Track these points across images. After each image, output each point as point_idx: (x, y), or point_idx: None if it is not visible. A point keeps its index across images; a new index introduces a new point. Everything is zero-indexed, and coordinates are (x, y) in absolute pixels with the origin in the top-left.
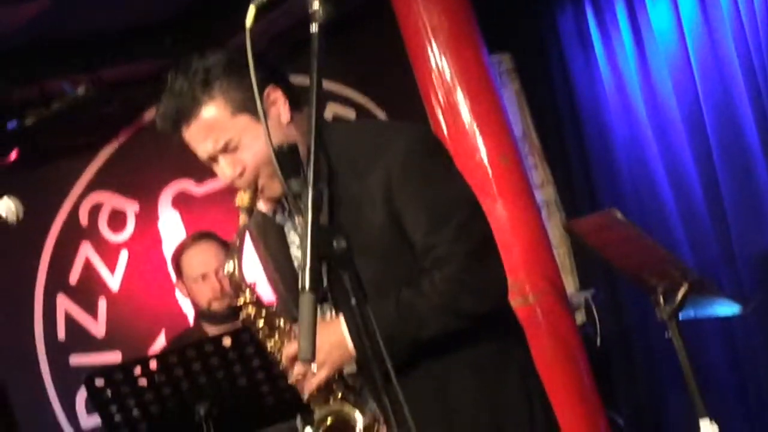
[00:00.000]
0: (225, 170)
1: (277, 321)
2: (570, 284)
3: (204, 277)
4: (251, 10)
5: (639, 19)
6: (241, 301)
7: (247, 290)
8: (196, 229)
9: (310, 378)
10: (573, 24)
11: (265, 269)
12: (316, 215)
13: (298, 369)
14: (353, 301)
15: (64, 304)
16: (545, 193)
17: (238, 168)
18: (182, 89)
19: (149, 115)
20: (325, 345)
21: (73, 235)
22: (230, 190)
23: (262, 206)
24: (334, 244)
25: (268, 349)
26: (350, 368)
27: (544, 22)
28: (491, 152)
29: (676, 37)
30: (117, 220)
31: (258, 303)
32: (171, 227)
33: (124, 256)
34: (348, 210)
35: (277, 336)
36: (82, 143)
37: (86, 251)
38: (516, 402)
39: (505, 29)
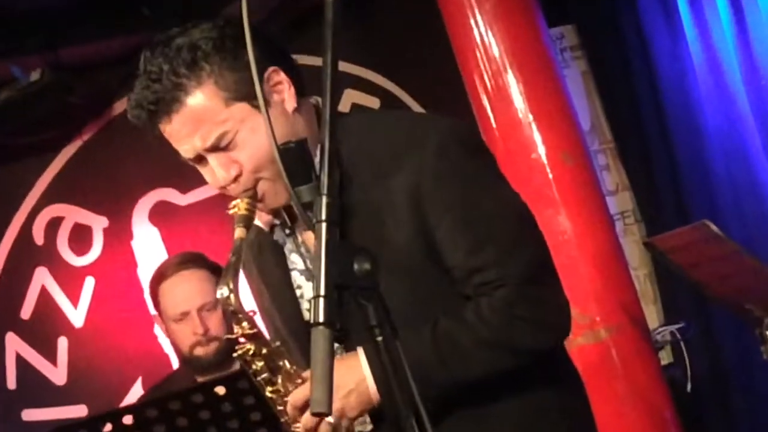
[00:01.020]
0: (217, 173)
1: (280, 361)
2: (653, 316)
3: (185, 315)
4: None
5: None
6: (237, 332)
7: (245, 321)
8: (178, 249)
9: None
10: None
11: (258, 300)
12: (333, 230)
13: (306, 421)
14: (380, 338)
15: (14, 344)
16: (620, 201)
17: (233, 170)
18: (162, 72)
19: (121, 105)
20: (341, 388)
21: (25, 258)
22: (222, 200)
23: (258, 220)
24: (356, 266)
25: (269, 394)
26: (365, 427)
27: None
28: (551, 149)
29: None
30: (81, 238)
31: (258, 338)
32: (148, 247)
33: (89, 283)
34: (365, 222)
35: (280, 381)
36: (37, 142)
37: (42, 278)
38: None
39: None
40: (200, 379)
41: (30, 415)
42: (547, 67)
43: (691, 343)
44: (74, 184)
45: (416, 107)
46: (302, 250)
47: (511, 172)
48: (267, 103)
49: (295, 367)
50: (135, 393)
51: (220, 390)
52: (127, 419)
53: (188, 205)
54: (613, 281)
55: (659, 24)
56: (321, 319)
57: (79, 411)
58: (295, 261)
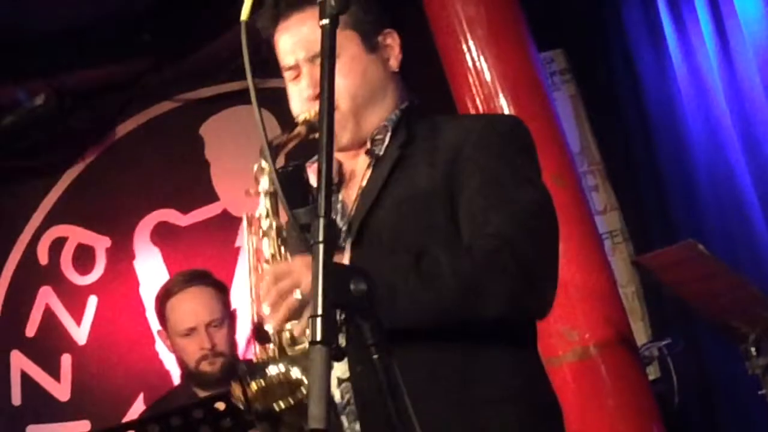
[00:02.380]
0: (302, 83)
1: (279, 238)
2: (640, 332)
3: (192, 331)
4: (247, 2)
5: (722, 5)
6: (257, 190)
7: (270, 182)
8: (179, 269)
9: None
10: (641, 13)
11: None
12: (329, 252)
13: (280, 286)
14: (376, 357)
15: (19, 361)
16: (609, 220)
17: (317, 88)
18: None
19: (122, 129)
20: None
21: (30, 278)
22: (222, 221)
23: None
24: (352, 286)
25: (256, 257)
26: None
27: (605, 10)
28: (542, 170)
29: (767, 27)
30: (84, 258)
31: (274, 200)
32: (150, 266)
33: (92, 302)
34: (411, 167)
35: (271, 253)
36: (41, 165)
37: (46, 297)
38: None
39: (558, 21)
40: (201, 395)
41: (35, 430)
42: (538, 90)
43: (678, 359)
44: (77, 205)
45: None
46: (338, 207)
47: None
48: (372, 42)
49: (285, 250)
50: (137, 409)
51: (220, 405)
52: None
53: (189, 225)
54: (602, 299)
55: (646, 48)
56: (318, 337)
57: (83, 427)
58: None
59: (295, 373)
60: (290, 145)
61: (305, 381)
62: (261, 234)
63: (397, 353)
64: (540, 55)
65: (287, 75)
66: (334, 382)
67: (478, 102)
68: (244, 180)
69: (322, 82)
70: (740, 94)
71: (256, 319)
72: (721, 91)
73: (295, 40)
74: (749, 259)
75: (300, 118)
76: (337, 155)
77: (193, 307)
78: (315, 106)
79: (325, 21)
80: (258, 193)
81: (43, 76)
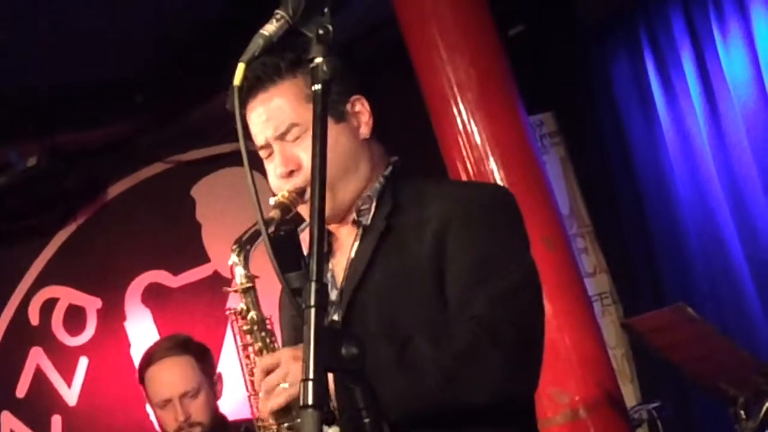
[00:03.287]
0: (275, 162)
1: (263, 331)
2: (630, 395)
3: (167, 402)
4: (240, 67)
5: (709, 67)
6: (233, 285)
7: (244, 276)
8: (171, 329)
9: (275, 396)
10: (628, 74)
11: (282, 335)
12: (321, 316)
13: (268, 381)
14: (366, 420)
15: (9, 423)
16: (598, 283)
17: (291, 165)
18: (269, 61)
19: (114, 190)
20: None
21: (21, 338)
22: (213, 283)
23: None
24: (344, 350)
25: (245, 351)
26: None
27: (594, 74)
28: (532, 234)
29: (755, 90)
30: (75, 319)
31: (251, 294)
32: (141, 328)
33: (83, 363)
34: (399, 238)
35: (258, 347)
36: (33, 225)
37: (37, 358)
38: None
39: (546, 84)
40: None
41: None
42: (527, 153)
43: (668, 421)
44: (69, 266)
45: None
46: (328, 276)
47: None
48: (339, 112)
49: (274, 341)
50: None
51: None
52: None
53: (180, 287)
54: (592, 361)
55: (635, 112)
56: (310, 401)
57: None
58: None
59: None
60: (260, 234)
61: None
62: (246, 329)
63: None
64: (530, 118)
65: (261, 153)
66: None
67: (468, 165)
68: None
69: (314, 147)
70: (729, 157)
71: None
72: (709, 154)
73: (262, 120)
74: (738, 323)
75: (272, 202)
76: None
77: (167, 378)
78: (288, 184)
79: (317, 87)
80: (235, 291)
81: (36, 136)
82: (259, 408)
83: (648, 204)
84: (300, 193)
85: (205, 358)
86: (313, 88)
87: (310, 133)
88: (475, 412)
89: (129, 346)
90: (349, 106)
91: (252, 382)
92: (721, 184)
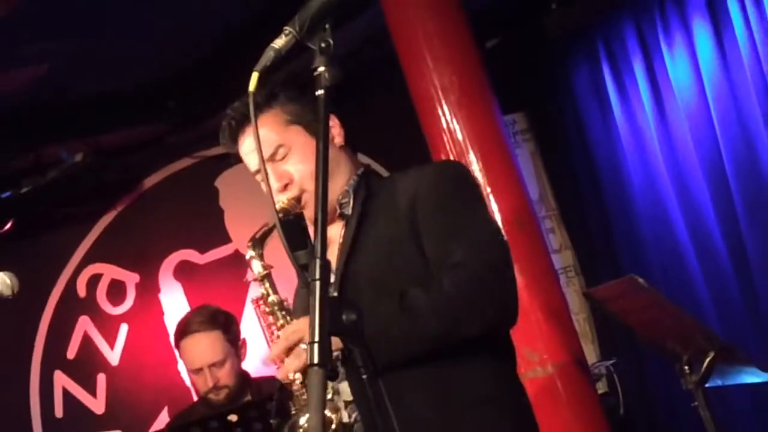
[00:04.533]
0: (270, 180)
1: (282, 310)
2: (591, 353)
3: (199, 371)
4: (254, 76)
5: (657, 73)
6: (250, 276)
7: (261, 266)
8: (199, 300)
9: (295, 357)
10: (588, 81)
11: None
12: (325, 288)
13: (290, 338)
14: (365, 376)
15: (61, 380)
16: (563, 258)
17: (284, 179)
18: (247, 101)
19: (149, 182)
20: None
21: (70, 309)
22: (234, 259)
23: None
24: (344, 317)
25: (269, 330)
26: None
27: (559, 80)
28: (506, 216)
29: (696, 92)
30: (116, 292)
31: (269, 280)
32: (173, 299)
33: (124, 329)
34: (375, 218)
35: (280, 324)
36: (79, 212)
37: (84, 325)
38: None
39: (519, 88)
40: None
41: None
42: (502, 148)
43: (623, 376)
44: (110, 246)
45: None
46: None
47: None
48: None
49: (293, 318)
50: (162, 420)
51: (233, 417)
52: None
53: (206, 263)
54: (558, 325)
55: (594, 112)
56: (315, 360)
57: None
58: None
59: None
60: (273, 231)
61: (334, 418)
62: (268, 311)
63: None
64: (504, 118)
65: (257, 178)
66: (341, 405)
67: (451, 158)
68: (253, 224)
69: (318, 143)
70: (674, 150)
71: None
72: (657, 148)
73: (251, 148)
74: (683, 291)
75: (277, 207)
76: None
77: (198, 351)
78: (284, 195)
79: (320, 92)
80: (254, 280)
81: (82, 137)
82: (289, 371)
83: (606, 190)
84: (297, 200)
85: (230, 329)
86: (316, 93)
87: (293, 150)
88: (469, 343)
89: (163, 314)
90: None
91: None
92: (668, 172)
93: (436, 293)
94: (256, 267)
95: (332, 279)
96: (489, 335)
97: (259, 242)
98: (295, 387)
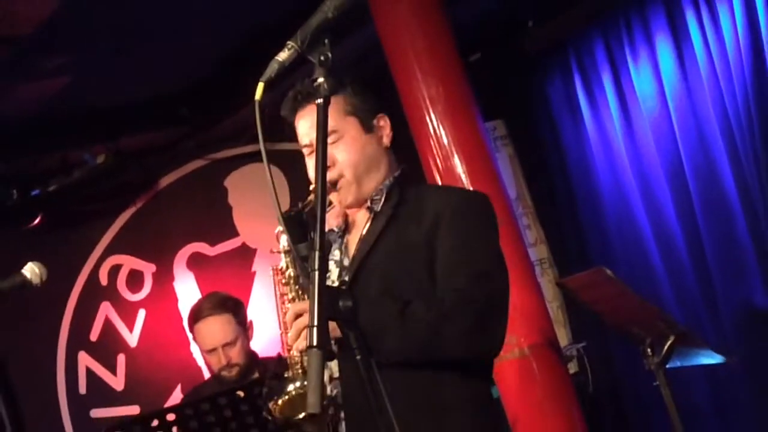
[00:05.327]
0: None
1: (297, 286)
2: (563, 337)
3: (213, 350)
4: (260, 86)
5: (624, 85)
6: (277, 249)
7: (287, 242)
8: (210, 288)
9: (302, 338)
10: (562, 92)
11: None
12: (323, 277)
13: (299, 323)
14: (358, 357)
15: (85, 360)
16: (539, 251)
17: (328, 162)
18: (317, 81)
19: (165, 181)
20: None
21: (93, 295)
22: (241, 251)
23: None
24: (340, 303)
25: (281, 300)
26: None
27: (535, 90)
28: None
29: (659, 103)
30: (135, 280)
31: (290, 257)
32: (186, 287)
33: (141, 314)
34: (401, 224)
35: (291, 296)
36: (101, 209)
37: (106, 310)
38: None
39: (498, 98)
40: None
41: (96, 413)
42: (484, 152)
43: (592, 357)
44: (130, 239)
45: None
46: (342, 248)
47: None
48: (369, 125)
49: (304, 295)
50: (176, 396)
51: (240, 393)
52: (170, 416)
53: (216, 255)
54: (534, 311)
55: (566, 120)
56: (315, 343)
57: (134, 410)
58: (335, 254)
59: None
60: (307, 209)
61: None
62: (284, 282)
63: (385, 373)
64: (485, 124)
65: (305, 151)
66: (326, 380)
67: (438, 161)
68: (258, 220)
69: (317, 146)
70: (639, 153)
71: (285, 346)
72: (624, 152)
73: (308, 125)
74: (646, 281)
75: (312, 188)
76: (346, 210)
77: (212, 333)
78: (328, 174)
79: (320, 101)
80: (280, 251)
81: (103, 140)
82: (289, 344)
83: (577, 190)
84: (333, 183)
85: (239, 312)
86: (316, 102)
87: (344, 138)
88: (451, 362)
89: (177, 301)
90: (375, 121)
91: (285, 323)
92: (633, 174)
93: (435, 311)
94: (283, 241)
95: (346, 263)
96: (470, 360)
97: (296, 217)
98: (293, 360)
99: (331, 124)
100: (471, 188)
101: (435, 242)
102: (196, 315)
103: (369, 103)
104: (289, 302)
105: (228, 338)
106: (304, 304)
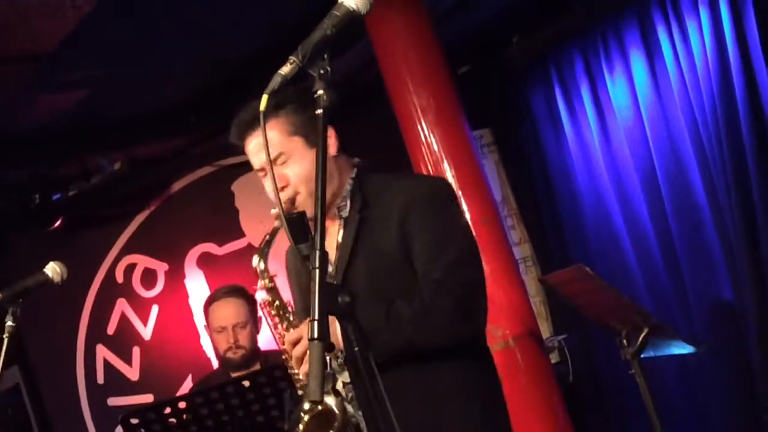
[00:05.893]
0: (272, 184)
1: (287, 313)
2: (545, 330)
3: (223, 329)
4: (264, 98)
5: (600, 96)
6: (260, 285)
7: (267, 278)
8: (218, 285)
9: (305, 363)
10: (543, 102)
11: (292, 290)
12: (323, 274)
13: (296, 351)
14: (356, 348)
15: (102, 352)
16: (522, 250)
17: (282, 182)
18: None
19: (176, 186)
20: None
21: (110, 292)
22: (247, 251)
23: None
24: (339, 299)
25: (275, 328)
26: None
27: (519, 101)
28: (474, 215)
29: (633, 113)
30: (149, 278)
31: (274, 290)
32: (196, 284)
33: (155, 309)
34: (371, 227)
35: (285, 324)
36: (118, 212)
37: (122, 306)
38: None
39: (485, 108)
40: (233, 375)
41: (113, 401)
42: (471, 158)
43: (572, 348)
44: (144, 240)
45: None
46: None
47: None
48: (314, 140)
49: (295, 319)
50: (187, 385)
51: (246, 383)
52: (182, 404)
53: (224, 254)
54: (518, 306)
55: (548, 129)
56: (315, 335)
57: (148, 399)
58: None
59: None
60: (274, 238)
61: (336, 410)
62: (273, 313)
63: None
64: (473, 133)
65: (259, 174)
66: (340, 385)
67: (429, 167)
68: (263, 222)
69: (318, 153)
70: (614, 159)
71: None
72: (600, 158)
73: (257, 150)
74: (622, 278)
75: (273, 212)
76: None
77: (225, 312)
78: (282, 195)
79: (320, 111)
80: (262, 288)
81: (119, 148)
82: (295, 369)
83: (557, 194)
84: (291, 201)
85: (251, 301)
86: (316, 112)
87: (293, 158)
88: (440, 350)
89: (188, 297)
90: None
91: (284, 350)
92: (609, 179)
93: (415, 306)
94: (263, 278)
95: (330, 270)
96: (459, 344)
97: (263, 251)
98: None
99: (277, 147)
100: (432, 176)
101: (407, 237)
102: (212, 298)
103: (310, 120)
104: (284, 330)
105: (238, 319)
106: (297, 333)
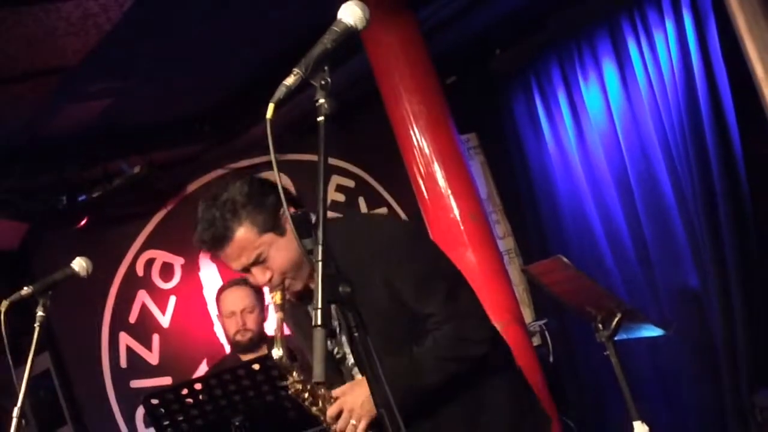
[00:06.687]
0: (257, 277)
1: (318, 391)
2: (528, 315)
3: (232, 314)
4: (271, 106)
5: (576, 103)
6: (289, 380)
7: (294, 372)
8: (229, 277)
9: (352, 429)
10: (525, 108)
11: (296, 338)
12: (326, 266)
13: (339, 425)
14: (356, 335)
15: (125, 339)
16: (506, 243)
17: (268, 274)
18: (215, 219)
19: (191, 188)
20: (358, 400)
21: (131, 285)
22: None
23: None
24: (340, 289)
25: (313, 412)
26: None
27: (502, 107)
28: (462, 211)
29: (606, 117)
30: (167, 271)
31: (303, 381)
32: (210, 277)
33: (172, 300)
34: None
35: (320, 403)
36: (137, 212)
37: (142, 297)
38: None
39: (471, 114)
40: (243, 358)
41: (135, 383)
42: (459, 160)
43: (552, 332)
44: (162, 237)
45: (377, 185)
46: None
47: (437, 227)
48: (280, 227)
49: (328, 394)
50: (202, 369)
51: (256, 366)
52: (197, 386)
53: None
54: (503, 293)
55: (529, 133)
56: (319, 323)
57: (167, 381)
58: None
59: None
60: (283, 328)
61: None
62: (300, 389)
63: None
64: (460, 137)
65: (242, 272)
66: (349, 365)
67: (421, 168)
68: None
69: (319, 158)
70: (590, 162)
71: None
72: (577, 160)
73: (233, 259)
74: (596, 268)
75: (271, 303)
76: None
77: (234, 298)
78: (270, 287)
79: (321, 119)
80: (292, 383)
81: (139, 153)
82: (305, 401)
83: (538, 192)
84: (282, 289)
85: (258, 290)
86: (318, 120)
87: (269, 253)
88: (463, 378)
89: (202, 288)
90: (281, 221)
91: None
92: (585, 178)
93: (431, 353)
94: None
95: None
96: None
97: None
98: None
99: (254, 250)
100: (395, 214)
101: (393, 283)
102: (223, 287)
103: (269, 209)
104: (309, 404)
105: (247, 304)
106: (337, 408)
